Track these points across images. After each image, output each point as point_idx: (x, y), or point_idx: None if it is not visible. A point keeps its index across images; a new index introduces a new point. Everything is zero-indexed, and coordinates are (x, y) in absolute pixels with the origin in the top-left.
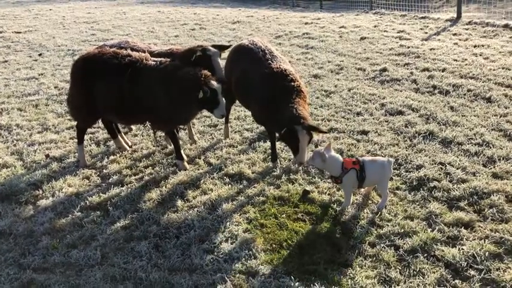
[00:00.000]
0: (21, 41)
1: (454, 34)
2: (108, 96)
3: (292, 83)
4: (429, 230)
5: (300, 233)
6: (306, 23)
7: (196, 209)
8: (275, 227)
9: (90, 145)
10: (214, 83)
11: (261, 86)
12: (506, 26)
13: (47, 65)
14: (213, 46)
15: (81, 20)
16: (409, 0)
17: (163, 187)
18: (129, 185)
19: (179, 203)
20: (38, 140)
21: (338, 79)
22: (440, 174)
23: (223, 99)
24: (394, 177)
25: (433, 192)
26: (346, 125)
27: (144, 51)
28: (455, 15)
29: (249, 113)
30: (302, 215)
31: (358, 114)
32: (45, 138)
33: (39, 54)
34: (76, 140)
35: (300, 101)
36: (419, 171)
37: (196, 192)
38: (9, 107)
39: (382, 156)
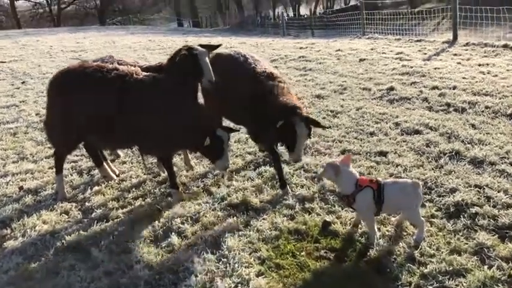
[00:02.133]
0: (5, 70)
1: (455, 54)
2: (90, 116)
3: (281, 84)
4: (485, 267)
5: (326, 274)
6: (301, 48)
7: (196, 247)
8: (294, 268)
9: (72, 175)
10: (220, 130)
11: (249, 88)
12: (506, 46)
13: (29, 92)
14: (201, 46)
15: (69, 49)
16: (400, 26)
17: (156, 221)
18: (115, 220)
19: (175, 240)
20: (11, 171)
21: (343, 99)
22: (479, 198)
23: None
24: (426, 203)
25: (476, 219)
26: (360, 146)
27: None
28: (451, 38)
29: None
30: (325, 252)
31: (372, 134)
32: (20, 169)
33: (22, 82)
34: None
35: (292, 96)
36: (454, 196)
37: (195, 227)
38: None
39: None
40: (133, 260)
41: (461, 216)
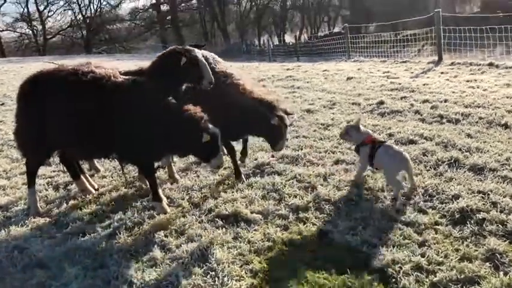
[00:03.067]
0: None
1: (442, 72)
2: (63, 122)
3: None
4: (500, 273)
5: (326, 287)
6: (288, 69)
7: (181, 260)
8: (291, 281)
9: (47, 189)
10: (211, 126)
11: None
12: (491, 64)
13: (8, 113)
14: (191, 45)
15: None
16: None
17: (137, 235)
18: (92, 235)
19: (158, 253)
20: None
21: (333, 113)
22: (485, 204)
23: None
24: (428, 210)
25: (484, 225)
26: (354, 156)
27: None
28: (436, 58)
29: (238, 147)
30: (324, 263)
31: None
32: None
33: (1, 104)
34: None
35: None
36: (458, 202)
37: (180, 240)
38: None
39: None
40: (111, 275)
41: (468, 222)
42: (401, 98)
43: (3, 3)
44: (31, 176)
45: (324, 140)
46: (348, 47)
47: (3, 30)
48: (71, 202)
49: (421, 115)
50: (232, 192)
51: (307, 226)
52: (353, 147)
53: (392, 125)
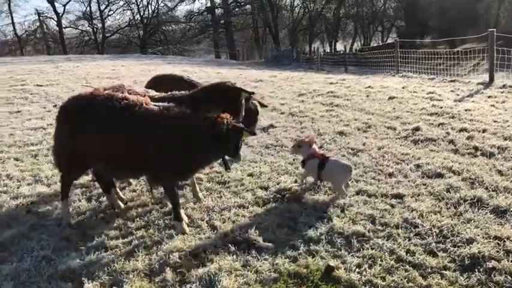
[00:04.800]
0: (40, 93)
1: (489, 96)
2: (98, 143)
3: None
4: None
5: None
6: (331, 83)
7: (189, 285)
8: None
9: (81, 200)
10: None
11: None
12: None
13: None
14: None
15: (105, 75)
16: (436, 66)
17: (154, 255)
18: (113, 250)
19: (169, 276)
20: (24, 193)
21: (366, 137)
22: (498, 251)
23: None
24: (439, 253)
25: (492, 275)
26: (377, 186)
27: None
28: (487, 79)
29: (264, 169)
30: None
31: (391, 175)
32: (32, 191)
33: (54, 106)
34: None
35: None
36: (470, 247)
37: (193, 263)
38: (6, 156)
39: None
40: None
41: (476, 269)
42: (439, 125)
43: (68, 2)
44: (65, 189)
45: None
46: (397, 62)
47: (66, 27)
48: (101, 215)
49: (455, 145)
50: (250, 217)
51: (315, 260)
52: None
53: (423, 155)
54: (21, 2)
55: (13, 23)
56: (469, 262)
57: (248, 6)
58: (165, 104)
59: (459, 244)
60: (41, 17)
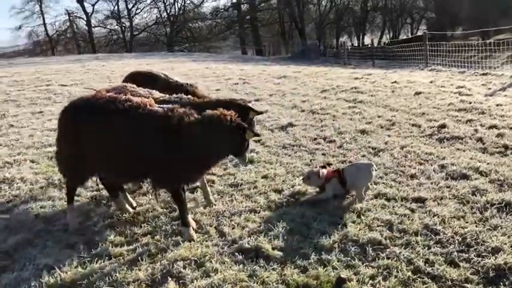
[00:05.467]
0: (64, 93)
1: None
2: (102, 148)
3: None
4: None
5: None
6: (356, 78)
7: None
8: None
9: (90, 204)
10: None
11: None
12: None
13: None
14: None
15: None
16: (467, 58)
17: (158, 263)
18: (117, 258)
19: (171, 286)
20: (35, 197)
21: (389, 135)
22: None
23: None
24: (462, 264)
25: None
26: (397, 189)
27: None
28: None
29: (279, 170)
30: None
31: (412, 177)
32: (44, 196)
33: None
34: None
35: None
36: (496, 257)
37: (196, 273)
38: (23, 158)
39: None
40: None
41: (502, 283)
42: (467, 122)
43: (96, 1)
44: (70, 194)
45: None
46: (426, 55)
47: (95, 27)
48: (108, 221)
49: (484, 144)
50: (261, 223)
51: (326, 270)
52: None
53: (448, 155)
54: (52, 3)
55: (44, 24)
56: (493, 274)
57: (274, 0)
58: (170, 105)
59: (484, 254)
60: (70, 17)
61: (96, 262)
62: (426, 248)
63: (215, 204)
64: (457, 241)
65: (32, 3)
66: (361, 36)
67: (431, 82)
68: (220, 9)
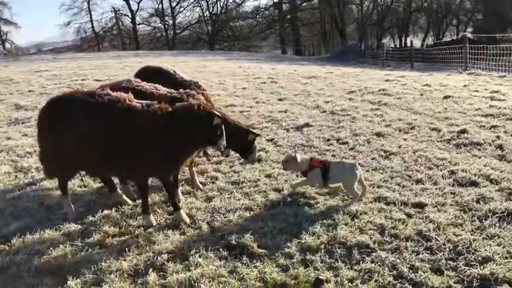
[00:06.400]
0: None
1: None
2: (81, 144)
3: None
4: None
5: None
6: (387, 80)
7: None
8: None
9: (92, 195)
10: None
11: None
12: None
13: None
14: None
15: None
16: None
17: (144, 254)
18: (106, 248)
19: (152, 278)
20: (45, 186)
21: (405, 139)
22: None
23: None
24: (447, 272)
25: None
26: (399, 194)
27: (152, 93)
28: None
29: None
30: None
31: (418, 181)
32: (54, 184)
33: None
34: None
35: None
36: (484, 267)
37: (178, 266)
38: None
39: None
40: None
41: None
42: (491, 128)
43: None
44: (63, 185)
45: (378, 170)
46: (466, 58)
47: (139, 24)
48: (106, 212)
49: (503, 151)
50: (253, 221)
51: (307, 270)
52: None
53: (461, 161)
54: (99, 1)
55: (91, 21)
56: (477, 284)
57: (315, 0)
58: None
59: (472, 263)
60: (117, 14)
61: (87, 250)
62: (414, 254)
63: (213, 202)
64: (447, 249)
65: (80, 1)
66: (403, 38)
67: (464, 86)
68: (261, 9)
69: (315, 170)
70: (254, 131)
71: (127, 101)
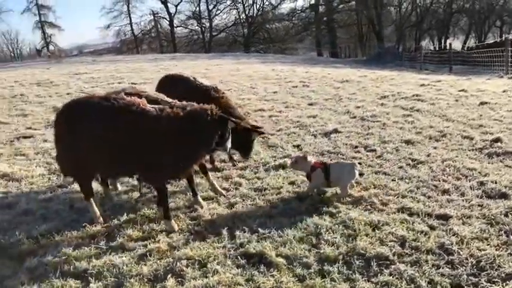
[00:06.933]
0: None
1: None
2: (98, 146)
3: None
4: None
5: None
6: (422, 85)
7: None
8: None
9: (119, 196)
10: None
11: None
12: None
13: None
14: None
15: (197, 75)
16: None
17: (164, 260)
18: (128, 252)
19: (170, 283)
20: (76, 189)
21: (435, 147)
22: None
23: None
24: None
25: None
26: (423, 204)
27: (157, 101)
28: None
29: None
30: None
31: (445, 192)
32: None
33: None
34: None
35: None
36: (506, 284)
37: (197, 273)
38: None
39: None
40: None
41: None
42: None
43: (179, 2)
44: (84, 191)
45: (404, 180)
46: (507, 62)
47: (177, 27)
48: (131, 215)
49: None
50: (273, 229)
51: (324, 281)
52: None
53: (492, 171)
54: (138, 4)
55: (131, 23)
56: None
57: (353, 2)
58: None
59: (495, 279)
60: (155, 17)
61: (110, 253)
62: (434, 268)
63: (235, 208)
64: (470, 264)
65: (120, 4)
66: (442, 40)
67: (504, 92)
68: (297, 10)
69: (317, 171)
70: (259, 129)
71: (141, 105)
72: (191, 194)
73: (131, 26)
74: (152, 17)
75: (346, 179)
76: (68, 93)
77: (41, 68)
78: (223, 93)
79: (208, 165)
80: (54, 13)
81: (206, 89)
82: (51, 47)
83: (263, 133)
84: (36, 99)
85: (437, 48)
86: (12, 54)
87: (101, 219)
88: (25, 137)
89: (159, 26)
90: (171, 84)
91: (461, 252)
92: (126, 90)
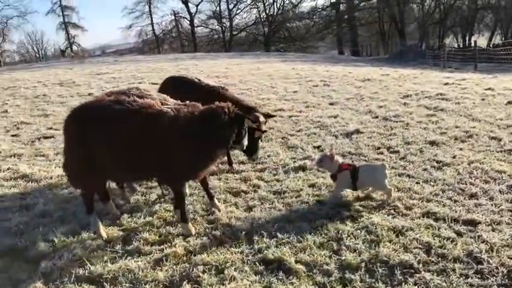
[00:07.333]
0: (151, 92)
1: None
2: (111, 150)
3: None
4: None
5: None
6: (446, 84)
7: None
8: None
9: (137, 200)
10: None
11: None
12: None
13: None
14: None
15: (215, 74)
16: None
17: (180, 265)
18: (144, 257)
19: None
20: None
21: (461, 148)
22: None
23: None
24: None
25: None
26: (450, 209)
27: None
28: None
29: (329, 179)
30: None
31: (472, 196)
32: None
33: None
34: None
35: None
36: None
37: (213, 279)
38: None
39: None
40: None
41: None
42: None
43: (200, 2)
44: (89, 203)
45: (428, 183)
46: None
47: (197, 26)
48: (148, 218)
49: None
50: (292, 235)
51: None
52: None
53: None
54: (159, 4)
55: (152, 24)
56: None
57: (374, 0)
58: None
59: None
60: (176, 17)
61: (126, 258)
62: (463, 277)
63: (253, 212)
64: (500, 273)
65: (142, 4)
66: (467, 37)
67: None
68: (318, 9)
69: (345, 173)
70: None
71: (156, 106)
72: (207, 197)
73: (152, 26)
74: (173, 17)
75: (380, 180)
76: (89, 93)
77: (64, 68)
78: (227, 90)
79: (227, 167)
80: (78, 14)
81: (213, 90)
82: (74, 48)
83: (265, 131)
84: (58, 99)
85: (461, 46)
86: (37, 55)
87: (105, 234)
88: (46, 137)
89: (180, 25)
90: (176, 86)
91: (491, 261)
92: (131, 91)
